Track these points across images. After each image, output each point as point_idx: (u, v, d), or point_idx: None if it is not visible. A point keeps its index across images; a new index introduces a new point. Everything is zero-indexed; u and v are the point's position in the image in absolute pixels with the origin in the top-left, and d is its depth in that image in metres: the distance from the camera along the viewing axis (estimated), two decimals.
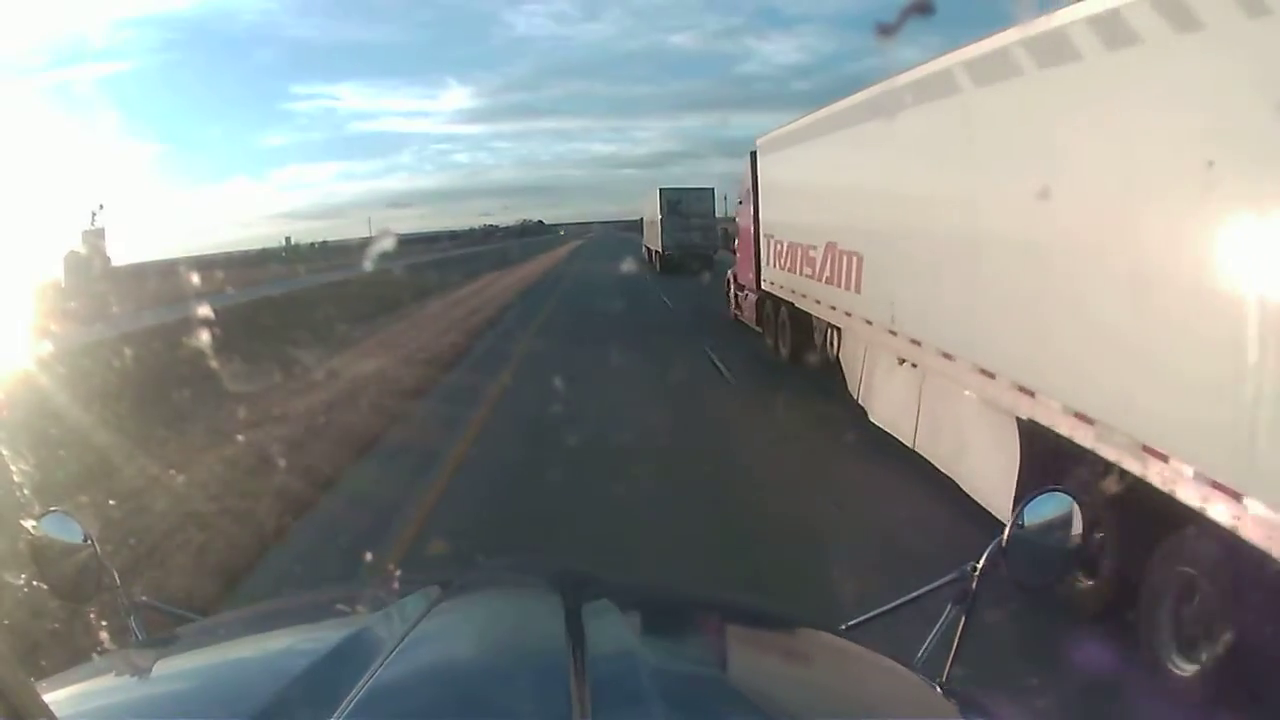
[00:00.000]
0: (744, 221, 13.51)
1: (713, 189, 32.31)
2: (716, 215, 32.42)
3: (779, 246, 10.92)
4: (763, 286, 11.93)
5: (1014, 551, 1.44)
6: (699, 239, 30.64)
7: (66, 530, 1.52)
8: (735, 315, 15.09)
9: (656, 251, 32.87)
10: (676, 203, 30.77)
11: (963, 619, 1.44)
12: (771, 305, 11.89)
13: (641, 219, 44.30)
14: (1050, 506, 1.48)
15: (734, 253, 15.05)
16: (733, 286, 15.28)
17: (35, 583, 1.55)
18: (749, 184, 12.59)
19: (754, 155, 12.30)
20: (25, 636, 3.84)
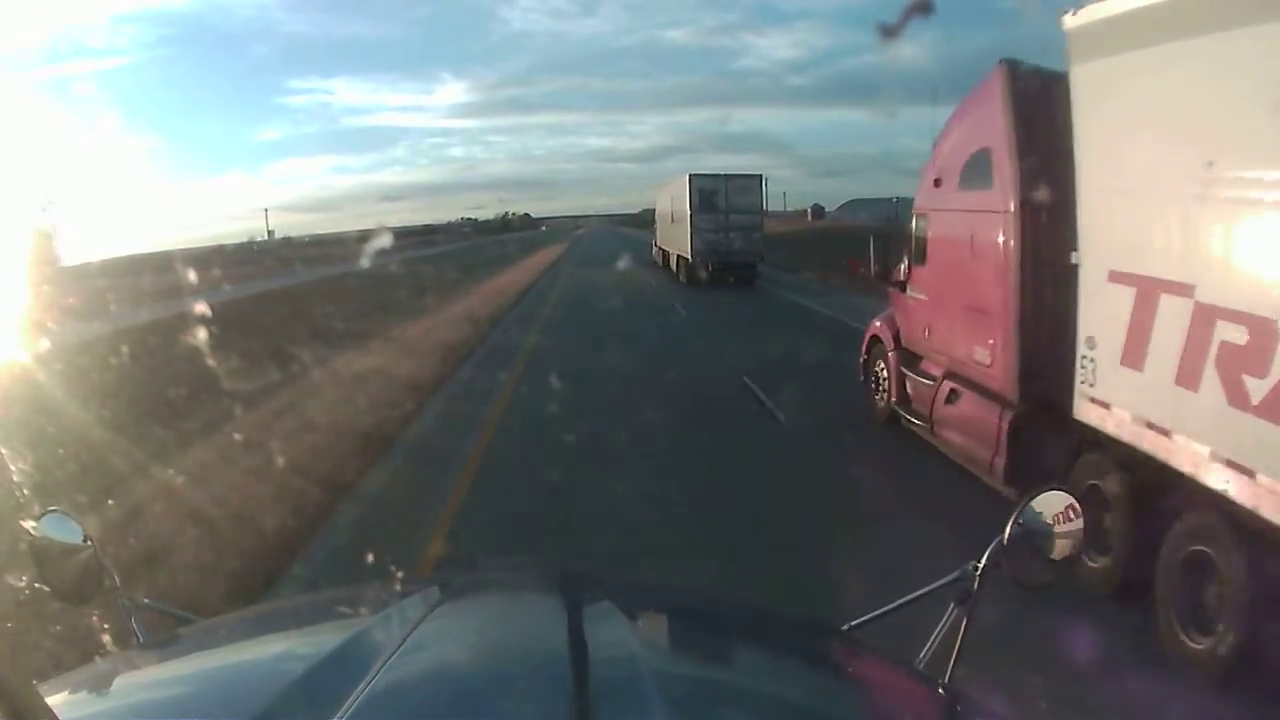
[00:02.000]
0: (963, 225, 6.13)
1: (761, 176, 25.45)
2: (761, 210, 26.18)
3: None
4: (1106, 426, 4.45)
5: (1015, 551, 1.44)
6: (741, 243, 23.59)
7: (66, 531, 1.52)
8: (906, 421, 7.25)
9: (682, 258, 25.08)
10: (713, 194, 23.50)
11: (965, 619, 1.44)
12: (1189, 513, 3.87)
13: (652, 212, 36.95)
14: (1051, 505, 1.48)
15: (889, 284, 7.70)
16: (890, 360, 7.63)
17: (36, 584, 1.54)
18: (997, 133, 5.56)
19: (1011, 69, 5.48)
20: (25, 638, 3.84)
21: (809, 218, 63.58)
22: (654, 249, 34.02)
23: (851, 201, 65.47)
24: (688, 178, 24.03)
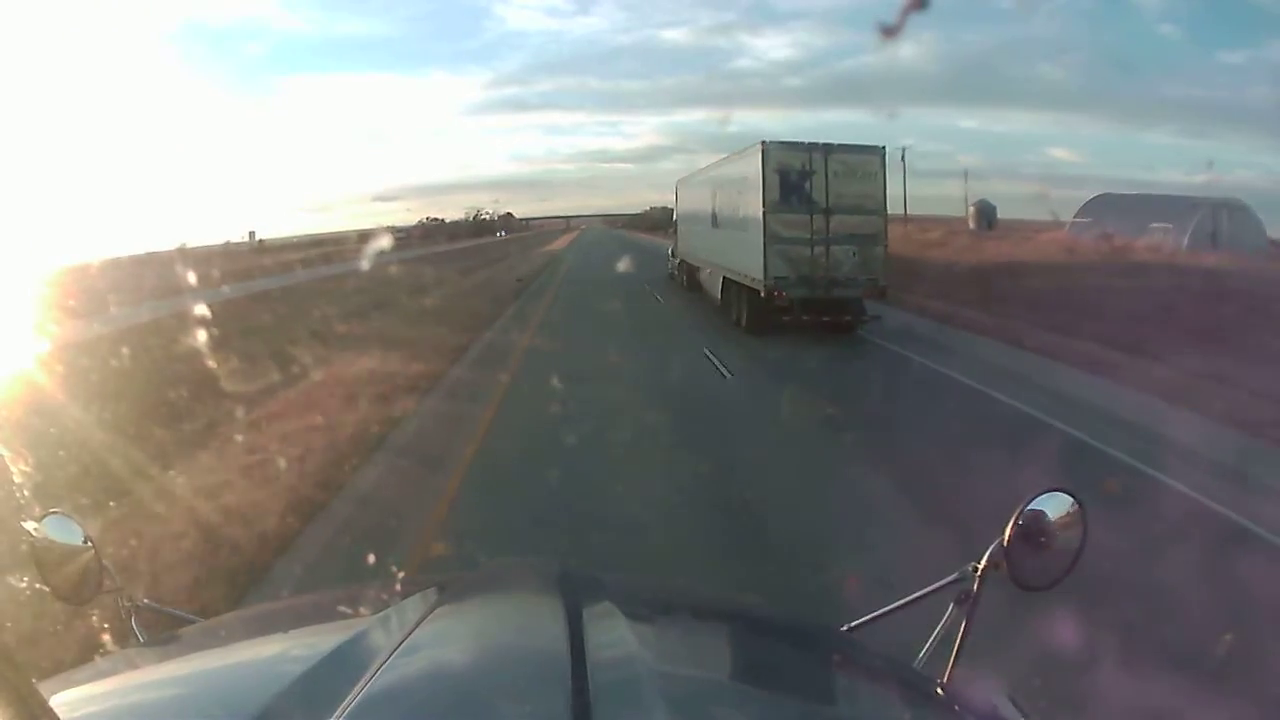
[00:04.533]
0: None
1: (882, 150, 14.38)
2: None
3: None
4: None
5: (1015, 552, 1.45)
6: (852, 265, 13.73)
7: (67, 532, 1.53)
8: None
9: (738, 286, 15.16)
10: (804, 177, 13.70)
11: (964, 619, 1.44)
12: None
13: (663, 211, 29.30)
14: (1051, 506, 1.48)
15: None
16: None
17: (36, 585, 1.56)
18: None
19: None
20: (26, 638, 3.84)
21: (970, 223, 35.25)
22: (670, 262, 24.58)
23: (1100, 198, 30.29)
24: (760, 149, 13.80)
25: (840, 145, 14.09)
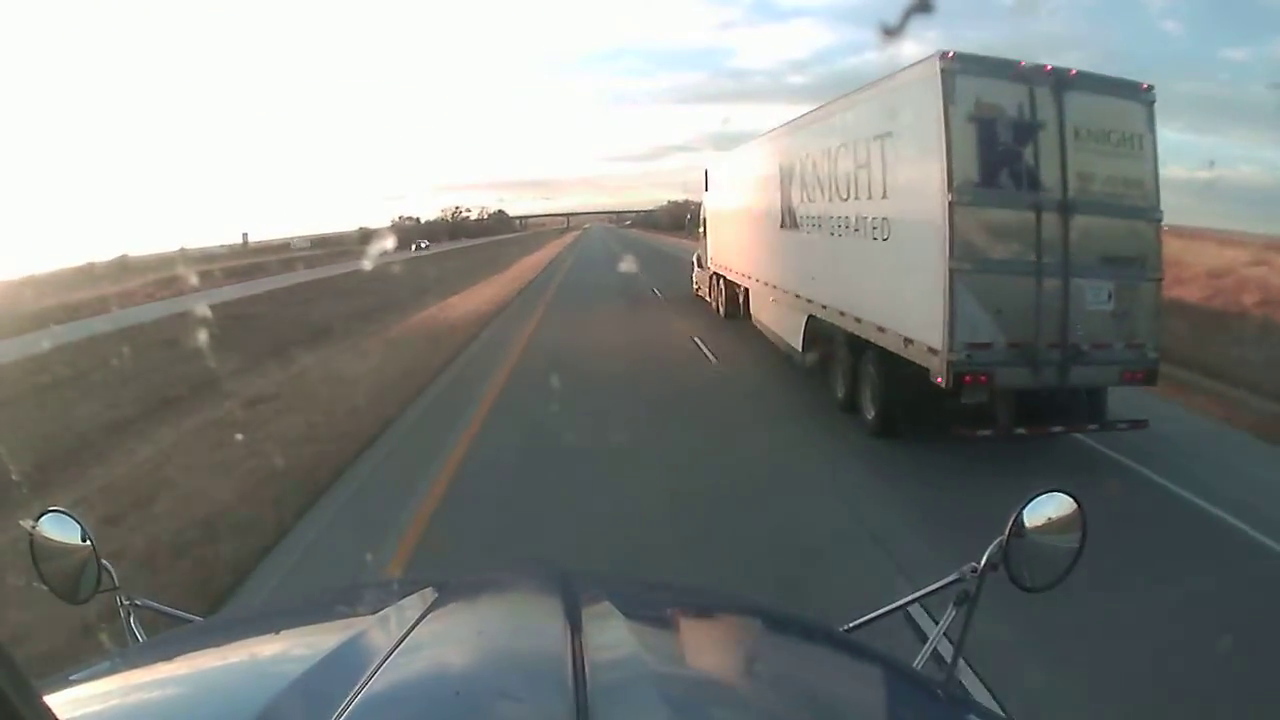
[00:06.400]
0: None
1: (1150, 89, 6.63)
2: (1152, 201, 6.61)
3: None
4: None
5: (1015, 553, 1.45)
6: (1105, 318, 6.40)
7: (66, 530, 1.53)
8: None
9: (854, 343, 8.15)
10: (1025, 129, 6.37)
11: (964, 620, 1.44)
12: None
13: (679, 208, 22.19)
14: (1051, 507, 1.48)
15: None
16: None
17: (35, 583, 1.56)
18: None
19: None
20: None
21: None
22: (695, 274, 18.55)
23: None
24: (937, 71, 6.28)
25: (1082, 75, 6.77)
